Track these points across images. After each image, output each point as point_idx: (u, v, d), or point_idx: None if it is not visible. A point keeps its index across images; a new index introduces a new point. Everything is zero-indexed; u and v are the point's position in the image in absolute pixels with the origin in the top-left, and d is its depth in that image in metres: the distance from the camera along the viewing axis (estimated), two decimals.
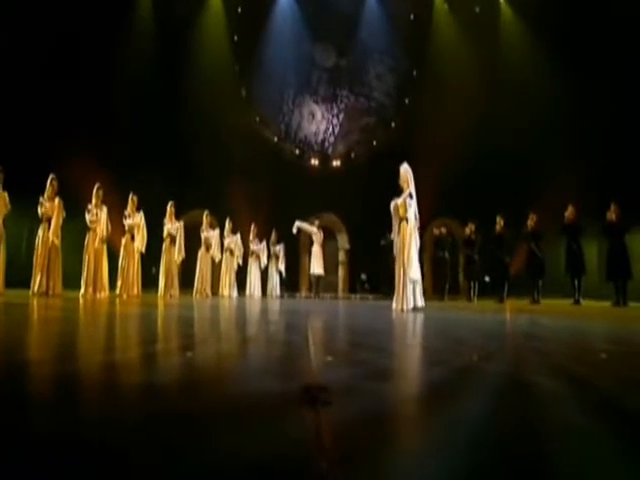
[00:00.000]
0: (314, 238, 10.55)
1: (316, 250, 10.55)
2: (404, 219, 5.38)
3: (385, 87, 13.61)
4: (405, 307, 5.07)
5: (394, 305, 5.25)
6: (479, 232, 10.08)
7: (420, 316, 4.37)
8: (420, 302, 5.16)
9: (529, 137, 10.66)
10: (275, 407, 1.02)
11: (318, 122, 13.75)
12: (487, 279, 10.78)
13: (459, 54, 12.29)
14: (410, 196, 5.36)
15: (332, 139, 13.67)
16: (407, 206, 5.35)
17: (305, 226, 10.67)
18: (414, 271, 5.17)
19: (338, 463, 0.71)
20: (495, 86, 11.48)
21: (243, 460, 0.71)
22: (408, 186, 5.40)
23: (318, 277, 10.57)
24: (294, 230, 10.61)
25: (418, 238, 5.47)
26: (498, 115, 11.11)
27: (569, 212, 8.36)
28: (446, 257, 10.78)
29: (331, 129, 13.73)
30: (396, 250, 5.46)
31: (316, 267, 10.43)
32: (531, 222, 8.87)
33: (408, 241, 5.30)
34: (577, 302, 8.06)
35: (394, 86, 13.53)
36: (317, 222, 10.82)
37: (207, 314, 4.44)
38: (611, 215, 7.79)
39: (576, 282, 8.21)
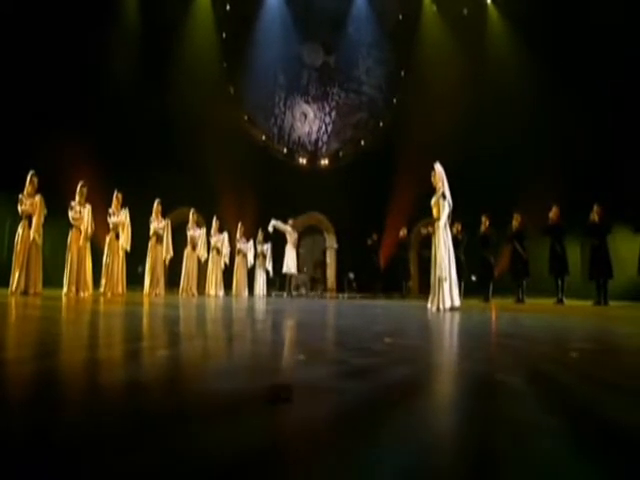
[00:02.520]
0: (288, 237, 10.63)
1: (289, 249, 10.60)
2: (437, 219, 5.37)
3: (375, 81, 13.64)
4: (442, 306, 5.08)
5: (429, 305, 5.27)
6: (465, 232, 10.16)
7: (436, 315, 4.38)
8: (457, 302, 5.16)
9: (514, 137, 10.77)
10: (234, 405, 1.02)
11: (311, 122, 13.73)
12: (473, 278, 10.87)
13: (446, 55, 12.38)
14: (443, 196, 5.32)
15: (325, 138, 13.66)
16: (440, 206, 5.33)
17: (280, 225, 10.72)
18: (442, 269, 5.17)
19: (289, 462, 0.70)
20: (481, 87, 11.59)
21: (192, 459, 0.70)
22: (442, 185, 5.36)
23: (291, 276, 10.65)
24: (270, 229, 10.71)
25: (449, 237, 5.42)
26: (484, 115, 11.23)
27: (553, 213, 8.46)
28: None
29: (324, 128, 13.72)
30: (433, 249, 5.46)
31: (289, 266, 10.48)
32: (515, 222, 8.95)
33: (436, 241, 5.34)
34: (560, 302, 8.17)
35: (384, 79, 13.56)
36: (291, 222, 10.86)
37: (188, 313, 4.41)
38: (594, 216, 7.91)
39: (559, 282, 8.32)
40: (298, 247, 13.03)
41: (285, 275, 10.81)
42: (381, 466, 0.68)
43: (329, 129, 13.67)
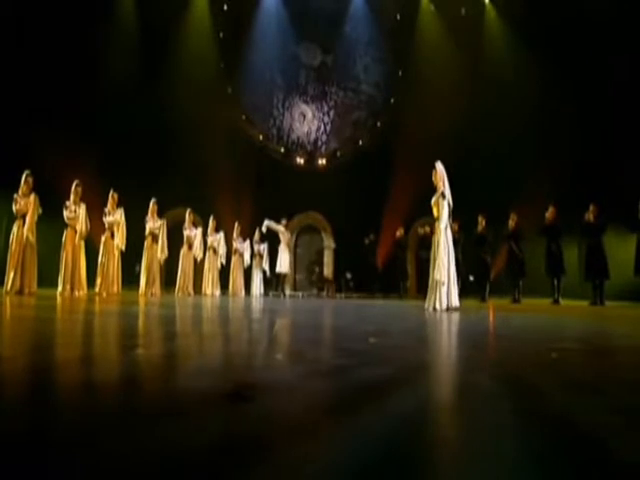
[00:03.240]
0: (281, 237, 10.62)
1: (282, 249, 10.60)
2: (437, 219, 5.33)
3: (373, 78, 13.61)
4: (438, 307, 5.05)
5: (426, 305, 5.24)
6: (461, 232, 10.14)
7: (430, 315, 4.37)
8: (455, 302, 5.11)
9: (511, 137, 10.76)
10: (193, 403, 1.01)
11: (309, 122, 13.72)
12: (471, 278, 10.86)
13: (444, 55, 12.37)
14: (442, 195, 5.27)
15: (324, 137, 13.64)
16: (440, 206, 5.27)
17: (273, 225, 10.73)
18: (439, 272, 5.13)
19: (240, 459, 0.69)
20: (478, 87, 11.58)
21: (142, 456, 0.69)
22: (443, 185, 5.30)
23: (284, 275, 10.65)
24: (263, 229, 10.74)
25: (450, 238, 5.36)
26: (481, 115, 11.22)
27: (549, 213, 8.44)
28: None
29: (323, 128, 13.71)
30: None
31: (282, 265, 10.48)
32: (512, 222, 8.94)
33: (436, 241, 5.30)
34: (556, 302, 8.16)
35: (382, 77, 13.53)
36: (284, 221, 10.84)
37: (178, 312, 4.40)
38: (589, 216, 7.89)
39: (555, 282, 8.30)
40: (296, 247, 13.04)
41: (279, 275, 10.80)
42: (314, 466, 0.68)
43: (328, 128, 13.65)
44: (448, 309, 5.07)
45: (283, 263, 10.46)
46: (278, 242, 12.61)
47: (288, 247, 10.59)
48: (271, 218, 10.91)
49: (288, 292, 12.31)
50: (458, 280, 5.84)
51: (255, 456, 0.72)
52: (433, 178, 5.42)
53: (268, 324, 3.32)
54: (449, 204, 5.33)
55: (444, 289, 5.14)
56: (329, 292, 11.71)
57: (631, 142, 9.06)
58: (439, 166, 5.44)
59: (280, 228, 10.69)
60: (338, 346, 2.08)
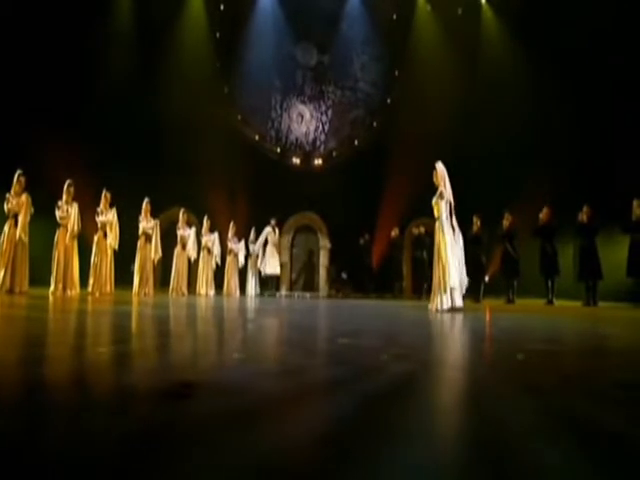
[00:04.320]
0: (269, 237, 10.34)
1: (270, 250, 10.23)
2: (437, 219, 5.30)
3: (370, 76, 13.57)
4: (439, 307, 5.00)
5: (430, 305, 5.22)
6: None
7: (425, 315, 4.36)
8: (458, 303, 5.01)
9: (507, 137, 10.73)
10: (130, 400, 1.01)
11: (307, 122, 13.70)
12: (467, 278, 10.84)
13: (441, 55, 12.33)
14: (441, 196, 5.24)
15: (323, 137, 13.63)
16: (439, 206, 5.24)
17: (261, 239, 10.60)
18: (451, 278, 5.01)
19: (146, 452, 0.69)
20: (475, 87, 11.55)
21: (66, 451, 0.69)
22: (443, 185, 5.26)
23: (275, 277, 10.42)
24: (257, 249, 10.71)
25: (451, 237, 5.22)
26: (477, 115, 11.20)
27: (544, 213, 8.42)
28: (424, 257, 10.79)
29: (321, 127, 13.69)
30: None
31: (270, 267, 10.22)
32: (506, 222, 8.91)
33: (436, 241, 5.26)
34: (550, 302, 8.13)
35: (379, 74, 13.50)
36: (273, 221, 10.56)
37: (165, 312, 4.39)
38: (582, 216, 7.87)
39: (549, 283, 8.28)
40: (292, 247, 13.02)
41: (269, 275, 10.67)
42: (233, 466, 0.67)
43: (326, 128, 13.63)
44: (452, 310, 4.98)
45: (271, 264, 10.29)
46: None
47: (276, 247, 10.36)
48: (265, 218, 10.89)
49: (284, 292, 12.31)
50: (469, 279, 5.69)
51: (167, 452, 0.71)
52: (434, 178, 5.39)
53: (243, 324, 3.31)
54: (449, 203, 5.29)
55: (456, 292, 5.04)
56: (343, 292, 11.70)
57: (627, 143, 9.02)
58: (439, 166, 5.42)
59: (267, 229, 10.55)
60: (306, 346, 2.07)
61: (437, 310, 5.02)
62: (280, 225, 12.24)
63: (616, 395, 1.14)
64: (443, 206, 5.22)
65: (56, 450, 0.71)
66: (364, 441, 0.79)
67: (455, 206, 5.34)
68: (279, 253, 10.79)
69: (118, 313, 3.97)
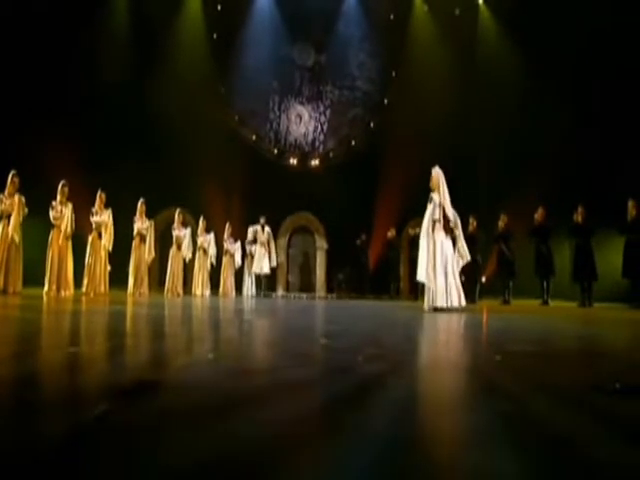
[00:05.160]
0: (257, 236, 10.08)
1: (258, 249, 9.87)
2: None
3: (367, 74, 13.56)
4: (426, 306, 5.18)
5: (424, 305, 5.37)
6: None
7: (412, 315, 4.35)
8: (439, 302, 5.09)
9: (504, 137, 10.72)
10: (85, 397, 1.00)
11: (306, 123, 13.68)
12: (462, 279, 10.81)
13: (437, 55, 12.32)
14: (430, 199, 5.36)
15: (322, 137, 13.62)
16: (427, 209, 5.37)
17: (250, 235, 10.34)
18: (418, 273, 5.25)
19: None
20: (471, 87, 11.54)
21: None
22: (438, 189, 5.33)
23: (264, 277, 10.01)
24: (250, 244, 10.60)
25: (429, 241, 5.29)
26: (473, 115, 11.19)
27: (539, 214, 8.41)
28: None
29: (320, 127, 13.68)
30: None
31: (258, 266, 9.87)
32: (502, 223, 8.91)
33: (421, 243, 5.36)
34: (546, 303, 8.11)
35: (376, 72, 13.48)
36: (262, 219, 10.24)
37: (155, 312, 4.38)
38: (577, 217, 7.86)
39: (545, 283, 8.26)
40: (288, 247, 13.01)
41: (258, 276, 10.48)
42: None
43: (325, 128, 13.62)
44: (437, 310, 5.07)
45: (260, 263, 9.99)
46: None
47: (264, 246, 10.04)
48: (261, 219, 10.87)
49: (280, 293, 12.30)
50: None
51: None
52: (430, 184, 5.44)
53: (228, 324, 3.30)
54: (435, 205, 5.30)
55: (429, 290, 5.19)
56: (338, 293, 11.70)
57: (623, 143, 9.01)
58: (435, 171, 5.46)
59: (255, 227, 10.17)
60: (284, 347, 2.06)
61: (428, 310, 5.11)
62: (277, 226, 12.23)
63: (574, 397, 1.12)
64: (429, 209, 5.32)
65: None
66: (307, 443, 0.78)
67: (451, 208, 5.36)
68: (269, 252, 10.56)
69: (104, 313, 3.96)
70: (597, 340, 2.67)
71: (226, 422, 0.88)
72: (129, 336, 2.33)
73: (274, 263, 11.11)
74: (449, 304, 5.08)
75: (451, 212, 5.31)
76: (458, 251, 5.38)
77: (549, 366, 1.70)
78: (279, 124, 13.58)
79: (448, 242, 5.27)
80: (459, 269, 5.46)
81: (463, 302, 5.20)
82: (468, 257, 5.55)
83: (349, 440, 0.78)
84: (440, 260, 5.18)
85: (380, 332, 2.95)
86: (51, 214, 7.34)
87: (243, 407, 1.01)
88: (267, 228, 10.11)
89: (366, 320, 4.06)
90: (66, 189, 7.47)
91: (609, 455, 0.73)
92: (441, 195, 5.29)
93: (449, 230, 5.29)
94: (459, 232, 5.44)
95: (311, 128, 13.68)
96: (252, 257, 11.03)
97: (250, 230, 10.43)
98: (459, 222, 5.47)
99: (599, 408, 1.02)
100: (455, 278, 5.22)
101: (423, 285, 5.47)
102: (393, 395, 1.12)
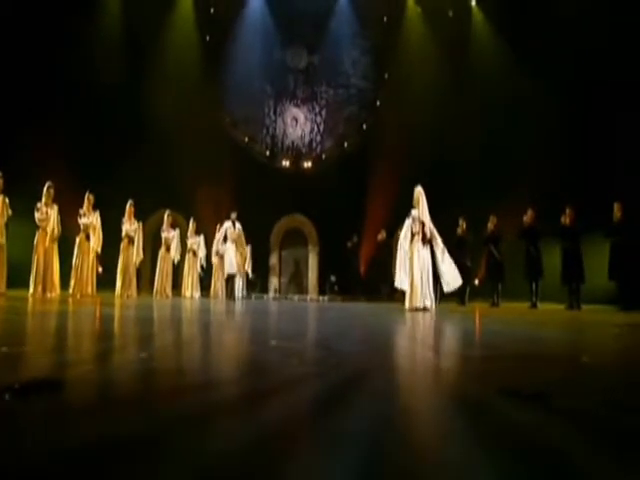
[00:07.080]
0: (228, 233, 9.23)
1: (229, 247, 9.18)
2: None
3: (361, 70, 13.55)
4: (407, 307, 5.88)
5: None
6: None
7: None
8: (416, 303, 5.86)
9: (493, 140, 10.70)
10: None
11: (302, 125, 13.69)
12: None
13: (430, 57, 12.33)
14: (409, 215, 6.12)
15: (318, 138, 13.61)
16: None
17: (222, 233, 9.55)
18: (396, 280, 6.18)
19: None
20: (464, 89, 11.53)
21: None
22: (417, 206, 6.06)
23: (233, 277, 9.45)
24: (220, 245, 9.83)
25: (406, 252, 6.11)
26: (465, 117, 11.16)
27: (528, 216, 8.36)
28: None
29: (316, 128, 13.67)
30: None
31: (229, 266, 9.25)
32: (491, 225, 8.87)
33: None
34: (534, 305, 8.06)
35: (370, 67, 13.46)
36: (233, 215, 9.39)
37: (129, 313, 4.36)
38: (565, 219, 7.81)
39: (534, 286, 8.21)
40: (280, 249, 12.98)
41: (228, 277, 9.84)
42: None
43: (321, 128, 13.62)
44: (415, 310, 5.74)
45: (231, 263, 9.15)
46: (266, 244, 12.54)
47: (235, 244, 9.27)
48: (256, 222, 10.83)
49: (272, 295, 12.27)
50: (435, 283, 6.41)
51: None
52: (413, 201, 6.15)
53: (192, 325, 3.28)
54: (421, 223, 6.01)
55: (408, 291, 6.01)
56: (329, 295, 11.68)
57: (611, 146, 8.97)
58: (416, 190, 6.16)
59: (226, 224, 9.33)
60: (229, 349, 2.04)
61: (409, 310, 5.78)
62: (269, 228, 12.22)
63: (474, 400, 1.10)
64: (407, 223, 6.09)
65: None
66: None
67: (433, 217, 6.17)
68: (245, 255, 9.88)
69: (76, 314, 3.94)
70: (553, 343, 2.64)
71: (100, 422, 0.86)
72: (75, 336, 2.31)
73: (250, 268, 10.86)
74: (424, 305, 5.84)
75: (428, 227, 6.01)
76: (442, 277, 6.22)
77: (479, 370, 1.67)
78: (275, 128, 13.59)
79: (425, 251, 5.99)
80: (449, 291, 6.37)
81: (434, 305, 6.10)
82: (457, 283, 6.43)
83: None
84: (417, 267, 5.94)
85: (341, 334, 2.93)
86: (36, 215, 7.33)
87: (126, 406, 0.99)
88: (238, 225, 9.34)
89: (343, 321, 4.03)
90: (52, 191, 7.46)
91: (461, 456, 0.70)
92: (420, 211, 5.99)
93: (427, 242, 6.00)
94: (440, 251, 6.18)
95: (307, 130, 13.69)
96: (222, 257, 9.99)
97: (223, 227, 9.62)
98: (439, 239, 6.17)
99: (493, 411, 1.00)
100: (429, 284, 6.00)
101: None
102: (321, 399, 1.10)
